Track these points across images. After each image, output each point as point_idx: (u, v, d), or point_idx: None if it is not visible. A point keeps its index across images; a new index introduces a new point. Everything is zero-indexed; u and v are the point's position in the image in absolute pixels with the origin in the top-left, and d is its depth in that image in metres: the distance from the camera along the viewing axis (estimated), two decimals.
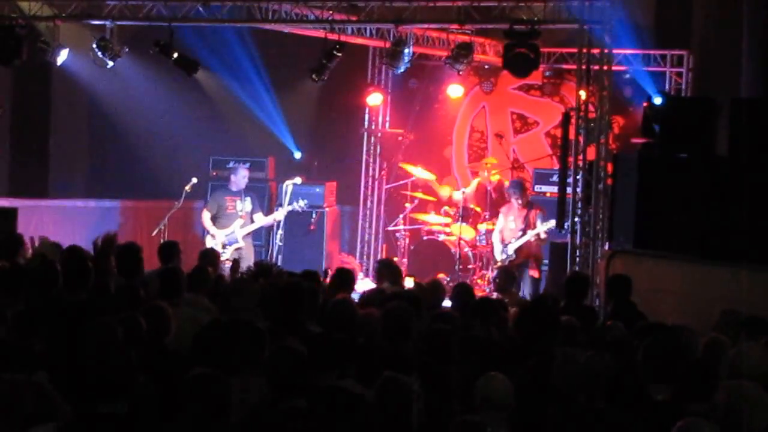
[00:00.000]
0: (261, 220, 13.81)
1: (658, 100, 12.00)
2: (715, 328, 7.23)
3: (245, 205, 13.74)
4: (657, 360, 5.83)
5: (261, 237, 14.89)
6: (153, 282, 8.01)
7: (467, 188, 15.09)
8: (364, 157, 16.40)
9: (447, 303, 9.01)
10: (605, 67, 11.55)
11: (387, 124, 16.49)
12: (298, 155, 16.18)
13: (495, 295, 10.19)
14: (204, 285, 8.16)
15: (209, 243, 13.47)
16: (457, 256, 14.12)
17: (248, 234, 13.73)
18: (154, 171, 15.80)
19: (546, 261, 13.34)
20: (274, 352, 5.42)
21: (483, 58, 14.48)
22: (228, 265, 11.35)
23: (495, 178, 14.99)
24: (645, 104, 12.06)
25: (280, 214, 13.90)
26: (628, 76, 14.80)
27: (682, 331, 6.67)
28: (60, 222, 14.34)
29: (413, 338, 6.59)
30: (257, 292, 7.24)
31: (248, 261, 13.05)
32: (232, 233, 13.56)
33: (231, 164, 14.73)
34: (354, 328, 6.73)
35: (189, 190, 13.67)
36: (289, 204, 13.91)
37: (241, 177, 13.87)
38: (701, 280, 9.54)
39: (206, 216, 13.74)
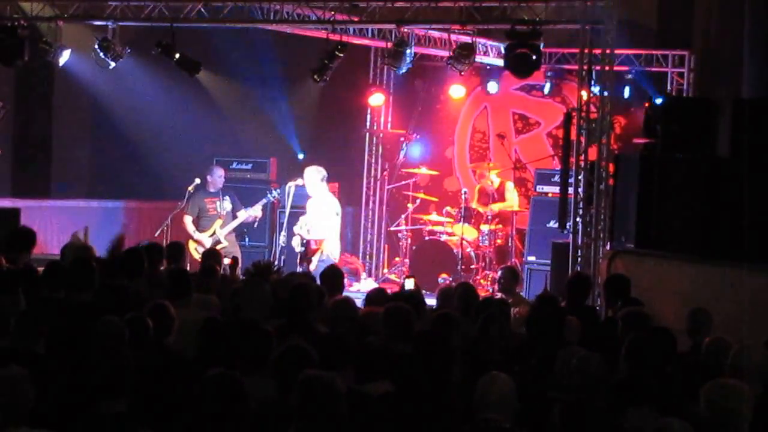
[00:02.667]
0: (243, 216, 13.83)
1: (659, 101, 12.01)
2: (690, 329, 7.28)
3: (224, 204, 13.74)
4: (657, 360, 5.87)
5: (264, 238, 14.90)
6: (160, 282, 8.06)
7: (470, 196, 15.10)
8: (366, 157, 16.42)
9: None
10: (607, 68, 11.55)
11: (389, 125, 16.50)
12: (301, 156, 16.19)
13: (499, 295, 10.20)
14: (212, 285, 8.20)
15: (192, 248, 13.44)
16: (460, 257, 14.13)
17: (231, 232, 13.74)
18: (157, 172, 15.82)
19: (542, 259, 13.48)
20: (282, 351, 5.42)
21: (484, 58, 14.49)
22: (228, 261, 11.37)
23: (496, 180, 15.00)
24: (646, 104, 12.07)
25: (256, 210, 13.88)
26: (629, 76, 14.82)
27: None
28: (63, 222, 14.37)
29: (413, 338, 6.60)
30: (268, 292, 7.25)
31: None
32: (213, 234, 13.59)
33: (234, 165, 14.74)
34: (355, 327, 6.75)
35: (192, 191, 13.68)
36: (264, 198, 13.93)
37: (217, 177, 13.87)
38: (702, 280, 9.55)
39: (188, 221, 13.67)
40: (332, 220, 12.74)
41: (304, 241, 12.68)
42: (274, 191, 13.82)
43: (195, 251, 13.35)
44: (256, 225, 14.40)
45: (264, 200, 13.90)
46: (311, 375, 4.94)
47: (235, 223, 13.77)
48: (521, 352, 6.81)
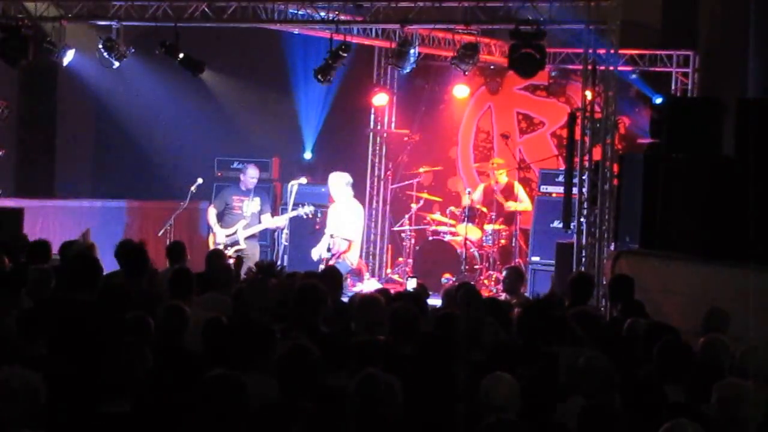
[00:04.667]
0: (267, 221, 13.74)
1: (658, 100, 11.97)
2: (705, 328, 7.26)
3: (252, 205, 13.64)
4: (671, 361, 5.85)
5: (267, 237, 14.87)
6: (161, 281, 8.05)
7: (474, 194, 15.08)
8: (370, 157, 16.42)
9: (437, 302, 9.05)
10: (611, 68, 11.53)
11: (393, 125, 16.50)
12: (308, 156, 16.19)
13: (503, 295, 10.18)
14: (215, 285, 8.19)
15: (211, 241, 13.46)
16: (463, 257, 14.11)
17: (253, 235, 13.65)
18: (160, 171, 15.82)
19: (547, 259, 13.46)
20: (284, 351, 5.41)
21: (488, 58, 14.49)
22: (231, 261, 11.34)
23: (503, 179, 15.00)
24: (653, 105, 12.06)
25: (281, 220, 13.77)
26: (634, 76, 14.80)
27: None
28: (66, 222, 14.34)
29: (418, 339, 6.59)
30: (273, 292, 7.24)
31: (253, 260, 13.03)
32: (234, 234, 13.52)
33: (236, 164, 14.72)
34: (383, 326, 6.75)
35: (194, 191, 13.66)
36: (294, 209, 13.76)
37: (249, 177, 13.77)
38: (707, 280, 9.53)
39: (212, 213, 13.67)
40: (358, 224, 13.04)
41: (330, 247, 12.76)
42: (306, 205, 13.56)
43: (215, 245, 13.31)
44: (276, 234, 14.36)
45: (294, 213, 13.70)
46: (372, 373, 4.93)
47: (257, 228, 13.66)
48: (525, 352, 6.78)
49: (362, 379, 4.91)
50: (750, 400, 5.03)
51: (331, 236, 12.98)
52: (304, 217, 13.59)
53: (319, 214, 14.70)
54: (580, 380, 5.69)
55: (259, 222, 13.69)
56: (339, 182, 13.16)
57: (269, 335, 5.97)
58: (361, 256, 16.03)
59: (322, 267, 12.66)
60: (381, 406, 4.82)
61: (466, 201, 14.91)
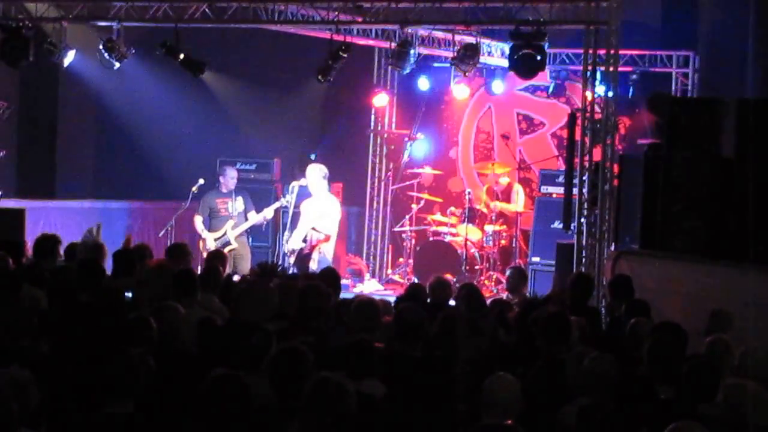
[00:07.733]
0: (253, 218, 13.75)
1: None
2: (709, 330, 7.26)
3: (237, 205, 13.65)
4: (662, 359, 5.87)
5: (268, 239, 14.89)
6: (155, 282, 8.06)
7: (483, 200, 15.12)
8: (370, 158, 16.43)
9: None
10: (611, 68, 11.55)
11: (393, 125, 16.51)
12: (313, 156, 16.18)
13: (506, 295, 10.21)
14: (216, 286, 8.21)
15: (201, 247, 13.45)
16: (464, 257, 14.13)
17: (242, 234, 13.68)
18: (161, 172, 15.83)
19: (547, 260, 13.47)
20: (276, 353, 5.42)
21: (489, 59, 14.51)
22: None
23: (503, 181, 15.03)
24: (646, 102, 12.07)
25: (269, 212, 13.80)
26: (634, 77, 14.82)
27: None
28: (67, 223, 14.35)
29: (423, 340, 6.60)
30: (273, 293, 7.23)
31: (246, 260, 13.05)
32: (224, 235, 13.52)
33: (238, 165, 14.72)
34: (376, 329, 6.76)
35: (196, 191, 13.66)
36: (278, 201, 13.84)
37: (229, 178, 13.78)
38: (707, 280, 9.54)
39: (198, 220, 13.63)
40: (336, 219, 12.85)
41: (306, 238, 12.71)
42: (288, 195, 13.59)
43: (205, 251, 13.32)
44: (264, 228, 14.35)
45: (277, 203, 13.77)
46: (324, 377, 4.94)
47: (245, 225, 13.68)
48: (526, 352, 6.80)
49: (315, 383, 4.92)
50: (757, 401, 5.03)
51: (313, 228, 12.88)
52: (286, 205, 13.49)
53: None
54: (585, 382, 5.70)
55: (246, 220, 13.70)
56: (317, 175, 12.96)
57: (265, 336, 5.98)
58: (361, 257, 16.07)
59: (292, 259, 12.72)
60: (334, 408, 4.82)
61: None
